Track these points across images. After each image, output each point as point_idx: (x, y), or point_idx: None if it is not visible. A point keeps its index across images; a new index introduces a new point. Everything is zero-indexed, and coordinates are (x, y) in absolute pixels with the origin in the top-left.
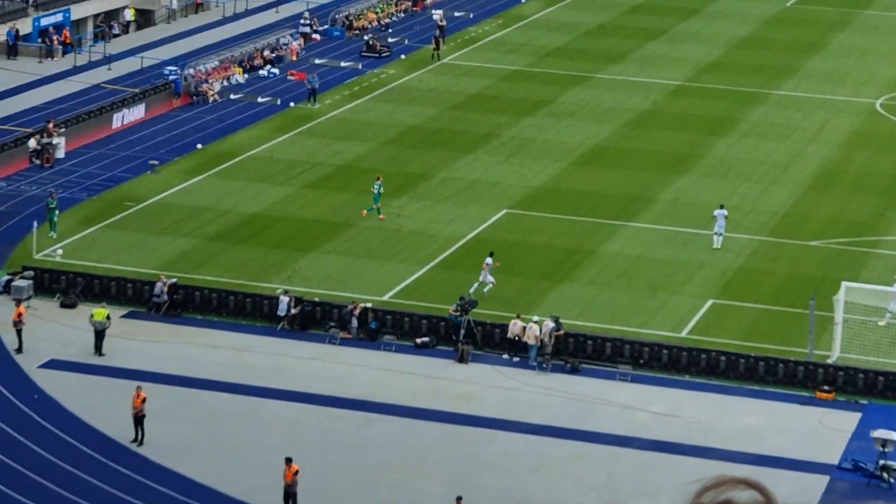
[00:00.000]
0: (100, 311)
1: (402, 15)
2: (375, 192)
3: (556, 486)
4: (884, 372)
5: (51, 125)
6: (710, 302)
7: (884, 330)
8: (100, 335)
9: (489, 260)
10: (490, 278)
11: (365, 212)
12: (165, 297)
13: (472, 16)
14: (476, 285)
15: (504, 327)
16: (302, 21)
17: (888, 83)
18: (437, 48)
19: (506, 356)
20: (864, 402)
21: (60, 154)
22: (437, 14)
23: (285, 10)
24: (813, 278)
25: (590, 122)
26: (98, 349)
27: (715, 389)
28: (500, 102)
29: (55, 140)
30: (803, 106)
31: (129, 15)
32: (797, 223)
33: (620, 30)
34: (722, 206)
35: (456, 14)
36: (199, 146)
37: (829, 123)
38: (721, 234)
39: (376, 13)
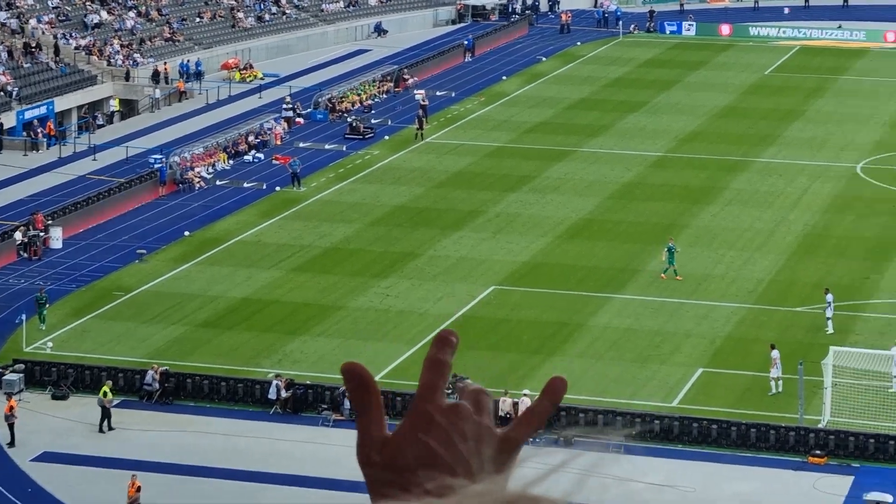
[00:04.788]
0: (103, 389)
1: (385, 96)
2: (669, 252)
3: None
4: (874, 434)
5: (37, 218)
6: (699, 371)
7: (872, 393)
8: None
9: (775, 352)
10: (776, 372)
11: (664, 275)
12: (157, 385)
13: (454, 94)
14: (773, 383)
15: (496, 404)
16: (284, 105)
17: (868, 147)
18: (421, 128)
19: None
20: (857, 465)
21: (58, 245)
22: (420, 94)
23: (268, 96)
24: (801, 344)
25: (574, 196)
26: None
27: (708, 458)
28: (484, 179)
29: (52, 231)
30: (785, 172)
31: (113, 105)
32: (783, 289)
33: (601, 103)
34: (827, 291)
35: (438, 93)
36: (187, 233)
37: (810, 189)
38: (830, 319)
39: (359, 95)
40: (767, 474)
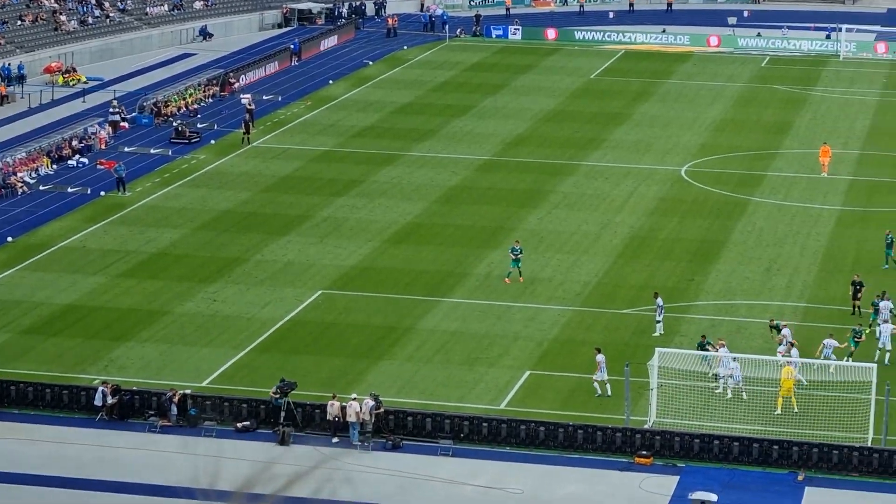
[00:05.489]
0: None
1: (211, 100)
2: (514, 256)
3: None
4: (699, 434)
5: None
6: (527, 373)
7: (697, 393)
8: None
9: (600, 357)
10: (601, 375)
11: (507, 279)
12: None
13: (280, 99)
14: (597, 386)
15: (324, 407)
16: (111, 109)
17: (692, 150)
18: (247, 132)
19: (334, 439)
20: (682, 465)
21: None
22: (246, 98)
23: (92, 100)
24: (627, 345)
25: (401, 200)
26: None
27: (536, 460)
28: (311, 184)
29: None
30: (611, 176)
31: None
32: (610, 292)
33: (427, 107)
34: (657, 295)
35: (264, 97)
36: (10, 239)
37: (636, 192)
38: (660, 322)
39: (184, 99)
40: (594, 475)
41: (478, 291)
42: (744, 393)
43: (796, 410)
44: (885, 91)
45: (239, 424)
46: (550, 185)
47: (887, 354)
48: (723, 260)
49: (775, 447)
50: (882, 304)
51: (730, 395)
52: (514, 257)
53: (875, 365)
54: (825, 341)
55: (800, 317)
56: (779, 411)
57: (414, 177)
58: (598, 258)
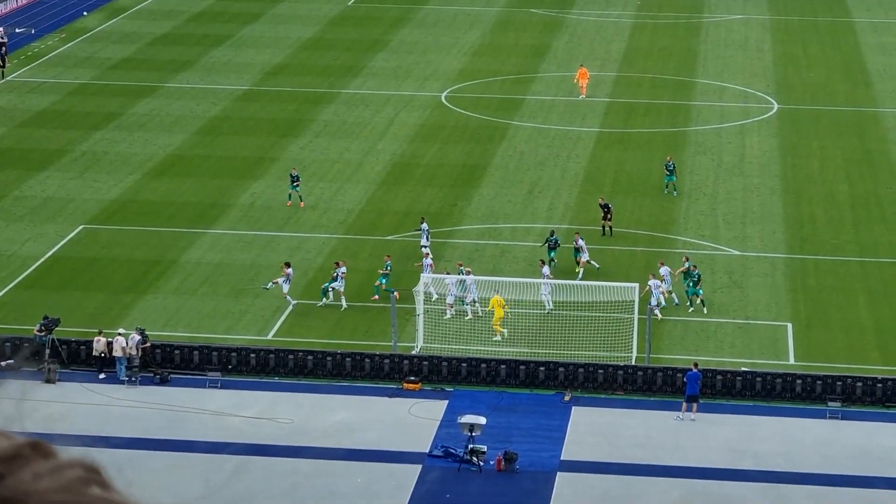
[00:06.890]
0: None
1: None
2: (292, 181)
3: (154, 500)
4: (466, 359)
5: None
6: (294, 302)
7: (463, 318)
8: None
9: (289, 269)
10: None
11: (296, 203)
12: None
13: (33, 31)
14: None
15: (89, 344)
16: None
17: (451, 76)
18: (3, 65)
19: (101, 375)
20: (450, 389)
21: None
22: None
23: None
24: (393, 272)
25: (161, 133)
26: None
27: (305, 389)
28: (69, 118)
29: None
30: (371, 103)
31: None
32: (373, 219)
33: (185, 38)
34: (423, 220)
35: (17, 30)
36: None
37: (397, 119)
38: (427, 247)
39: None
40: (364, 402)
41: (242, 222)
42: (479, 312)
43: (506, 336)
44: (638, 13)
45: (2, 363)
46: (311, 113)
47: (698, 299)
48: (485, 184)
49: (542, 369)
50: (581, 243)
51: (470, 317)
52: (291, 182)
53: (637, 285)
54: (651, 282)
55: (562, 238)
56: (498, 338)
57: (173, 108)
58: (361, 186)
